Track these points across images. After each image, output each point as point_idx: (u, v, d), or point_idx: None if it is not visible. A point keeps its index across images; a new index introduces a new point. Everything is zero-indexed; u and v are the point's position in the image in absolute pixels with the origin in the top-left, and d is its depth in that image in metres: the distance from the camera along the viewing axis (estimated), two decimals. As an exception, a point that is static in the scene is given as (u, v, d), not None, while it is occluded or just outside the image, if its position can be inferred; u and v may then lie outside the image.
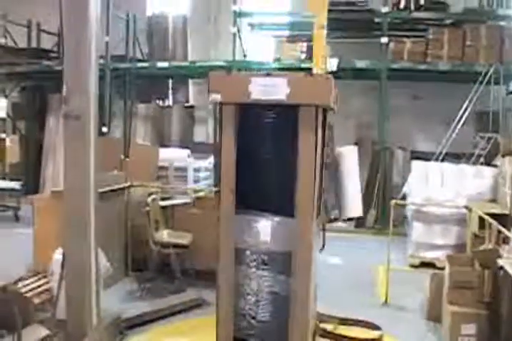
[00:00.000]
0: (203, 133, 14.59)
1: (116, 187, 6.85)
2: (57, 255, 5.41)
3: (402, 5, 10.47)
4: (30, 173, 13.74)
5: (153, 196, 6.89)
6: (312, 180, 3.75)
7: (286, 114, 3.76)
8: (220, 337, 3.98)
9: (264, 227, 3.86)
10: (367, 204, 11.22)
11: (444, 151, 9.49)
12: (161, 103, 14.97)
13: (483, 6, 10.95)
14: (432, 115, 11.72)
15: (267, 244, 3.86)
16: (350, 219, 3.83)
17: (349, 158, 3.97)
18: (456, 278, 5.11)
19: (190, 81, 14.97)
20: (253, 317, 3.93)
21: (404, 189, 8.87)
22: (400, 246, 8.15)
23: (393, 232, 6.56)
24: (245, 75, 3.98)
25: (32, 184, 13.36)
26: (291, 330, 3.84)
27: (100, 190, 5.45)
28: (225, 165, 3.87)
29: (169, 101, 15.01)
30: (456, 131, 9.50)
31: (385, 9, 10.31)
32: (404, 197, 8.76)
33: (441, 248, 7.71)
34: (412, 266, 7.97)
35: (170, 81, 15.02)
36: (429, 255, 7.86)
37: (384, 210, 10.49)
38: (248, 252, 3.90)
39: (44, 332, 4.04)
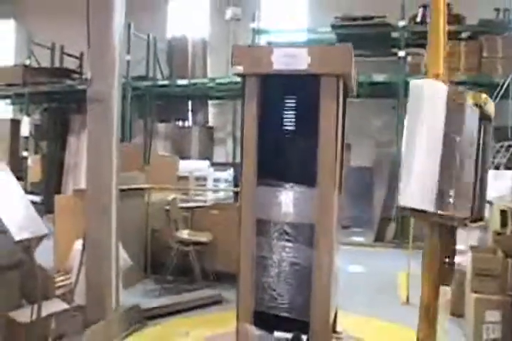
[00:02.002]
0: (223, 153, 14.71)
1: (136, 186, 6.90)
2: (77, 245, 5.44)
3: (418, 18, 10.62)
4: (51, 192, 13.84)
5: (172, 196, 6.93)
6: (333, 149, 3.77)
7: (307, 84, 3.82)
8: (240, 310, 3.95)
9: (286, 198, 3.88)
10: (386, 218, 11.19)
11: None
12: (180, 124, 15.14)
13: (499, 17, 11.00)
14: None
15: (289, 214, 3.87)
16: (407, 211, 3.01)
17: (428, 98, 2.89)
18: (478, 265, 5.04)
19: (210, 102, 15.18)
20: (274, 290, 3.91)
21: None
22: (420, 256, 8.07)
23: (413, 246, 6.50)
24: (267, 47, 4.06)
25: (52, 203, 13.42)
26: (313, 302, 3.80)
27: (121, 187, 5.53)
28: (247, 136, 3.91)
29: (189, 122, 15.18)
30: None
31: (401, 23, 10.44)
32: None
33: (464, 253, 7.59)
34: (434, 272, 7.85)
35: (189, 102, 15.23)
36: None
37: (403, 224, 10.44)
38: (270, 223, 3.90)
39: (63, 305, 4.03)
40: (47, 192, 13.58)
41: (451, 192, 2.93)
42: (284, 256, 3.87)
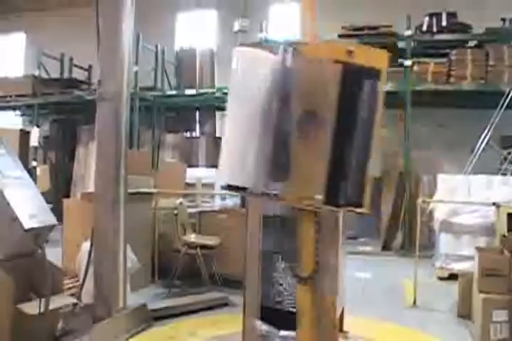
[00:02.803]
0: (230, 165, 14.73)
1: (145, 190, 6.94)
2: (85, 247, 5.47)
3: (424, 28, 10.66)
4: (60, 202, 13.89)
5: (180, 199, 6.97)
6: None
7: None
8: (247, 305, 3.97)
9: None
10: (393, 227, 11.19)
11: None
12: (188, 134, 15.20)
13: (505, 26, 10.97)
14: (457, 142, 11.66)
15: (294, 208, 3.89)
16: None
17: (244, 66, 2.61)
18: (485, 265, 5.03)
19: (217, 113, 15.25)
20: (281, 284, 3.92)
21: (430, 207, 8.83)
22: (427, 265, 8.12)
23: (419, 255, 6.51)
24: (267, 45, 4.12)
25: (61, 213, 13.50)
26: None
27: (130, 191, 5.58)
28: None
29: (196, 133, 15.24)
30: (482, 155, 9.49)
31: (408, 32, 10.49)
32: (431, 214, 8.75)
33: (470, 259, 7.56)
34: (441, 278, 7.84)
35: (197, 113, 15.31)
36: (457, 266, 7.72)
37: (410, 234, 10.45)
38: (276, 217, 3.92)
39: (71, 300, 4.06)
40: (55, 201, 13.63)
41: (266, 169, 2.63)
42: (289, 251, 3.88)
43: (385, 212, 11.82)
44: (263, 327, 3.90)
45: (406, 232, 10.80)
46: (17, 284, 3.66)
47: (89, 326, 4.39)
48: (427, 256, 8.85)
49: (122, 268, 5.02)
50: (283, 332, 3.86)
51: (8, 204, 3.48)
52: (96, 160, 4.98)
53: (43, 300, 3.71)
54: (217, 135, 15.15)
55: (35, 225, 3.54)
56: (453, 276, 7.62)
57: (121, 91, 4.76)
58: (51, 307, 3.77)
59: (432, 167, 11.66)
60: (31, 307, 3.67)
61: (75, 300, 4.12)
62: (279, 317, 3.90)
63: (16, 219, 3.43)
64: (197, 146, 14.39)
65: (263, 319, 3.92)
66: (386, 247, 11.03)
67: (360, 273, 8.15)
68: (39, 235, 3.65)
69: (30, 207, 3.70)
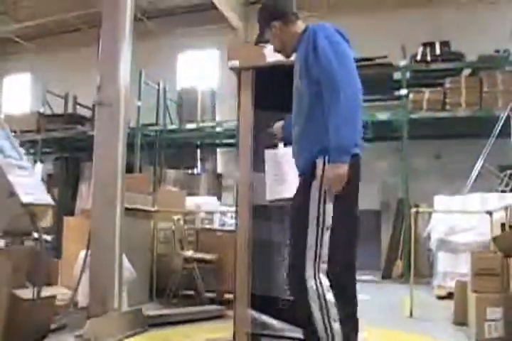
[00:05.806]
0: (231, 200, 14.84)
1: (143, 207, 7.03)
2: (82, 254, 5.53)
3: (418, 57, 10.91)
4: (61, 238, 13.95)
5: (177, 216, 7.06)
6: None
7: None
8: (238, 294, 4.01)
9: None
10: (393, 257, 11.19)
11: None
12: (189, 171, 15.38)
13: (499, 53, 11.18)
14: (455, 171, 11.76)
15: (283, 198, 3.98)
16: None
17: None
18: (478, 265, 5.08)
19: (218, 150, 15.47)
20: (271, 272, 3.98)
21: (428, 229, 8.90)
22: (426, 288, 8.20)
23: (419, 282, 6.57)
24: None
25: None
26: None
27: (129, 206, 5.69)
28: (243, 126, 4.10)
29: (197, 170, 15.43)
30: (479, 180, 9.62)
31: (403, 62, 10.76)
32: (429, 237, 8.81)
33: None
34: (439, 297, 7.81)
35: (198, 150, 15.55)
36: (456, 284, 7.71)
37: (409, 262, 10.44)
38: (265, 207, 4.01)
39: (65, 290, 4.11)
40: (57, 238, 13.67)
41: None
42: (279, 238, 3.97)
43: (384, 242, 11.88)
44: (255, 315, 3.93)
45: (406, 261, 10.79)
46: (14, 269, 3.73)
47: (83, 323, 4.42)
48: (426, 282, 8.90)
49: (117, 272, 5.06)
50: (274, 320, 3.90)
51: (7, 179, 3.59)
52: (94, 166, 5.10)
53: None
54: (219, 171, 15.36)
55: (32, 200, 3.65)
56: (451, 295, 7.61)
57: (119, 96, 4.94)
58: (45, 294, 3.82)
59: (430, 196, 11.71)
60: (26, 294, 3.73)
61: (69, 291, 4.17)
62: (270, 305, 3.94)
63: (13, 194, 3.54)
64: (198, 182, 14.54)
65: (254, 307, 3.96)
66: (386, 276, 11.01)
67: (361, 295, 8.13)
68: (35, 214, 3.74)
69: (28, 186, 3.80)
